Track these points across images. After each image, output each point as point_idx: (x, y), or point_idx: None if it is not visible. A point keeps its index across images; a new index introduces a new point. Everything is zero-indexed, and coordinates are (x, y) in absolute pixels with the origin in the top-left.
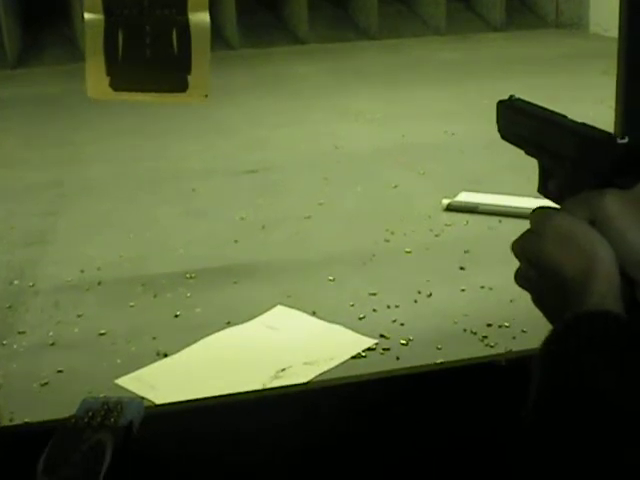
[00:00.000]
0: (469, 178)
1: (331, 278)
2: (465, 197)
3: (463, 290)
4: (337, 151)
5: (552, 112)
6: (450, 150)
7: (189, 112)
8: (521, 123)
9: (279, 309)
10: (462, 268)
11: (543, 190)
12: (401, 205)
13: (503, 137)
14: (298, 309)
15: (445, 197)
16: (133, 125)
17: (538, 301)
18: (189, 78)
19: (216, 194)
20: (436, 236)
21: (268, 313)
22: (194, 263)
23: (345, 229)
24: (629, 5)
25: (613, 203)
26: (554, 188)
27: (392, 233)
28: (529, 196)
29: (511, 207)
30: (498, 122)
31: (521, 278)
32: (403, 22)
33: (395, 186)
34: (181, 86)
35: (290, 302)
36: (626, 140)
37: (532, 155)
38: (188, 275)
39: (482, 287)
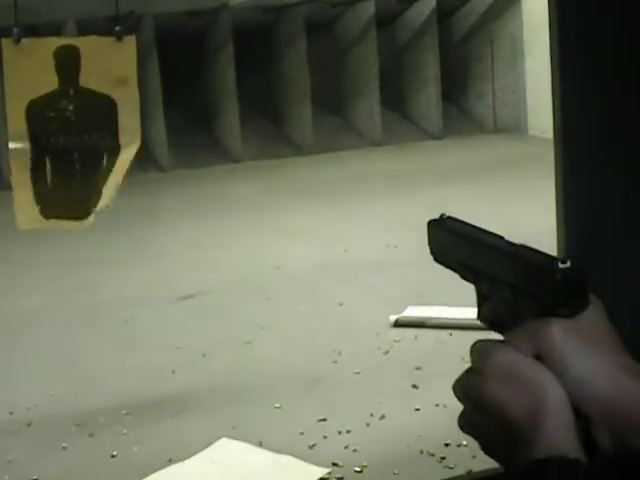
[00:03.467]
0: (415, 291)
1: (277, 405)
2: (412, 311)
3: (417, 409)
4: (278, 270)
5: (488, 233)
6: (393, 263)
7: (122, 237)
8: (454, 246)
9: (223, 442)
10: (414, 386)
11: (483, 317)
12: (347, 323)
13: (436, 260)
14: (244, 440)
15: (392, 313)
16: (64, 254)
17: (486, 448)
18: (93, 208)
19: (151, 322)
20: (385, 354)
21: (212, 447)
22: (130, 397)
23: (289, 352)
24: (563, 115)
25: (560, 334)
26: (493, 316)
27: (339, 353)
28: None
29: (460, 319)
30: (430, 244)
31: (466, 423)
32: (338, 135)
33: (340, 303)
34: (87, 209)
35: (235, 433)
36: (568, 264)
37: (468, 280)
38: (124, 411)
39: (436, 405)
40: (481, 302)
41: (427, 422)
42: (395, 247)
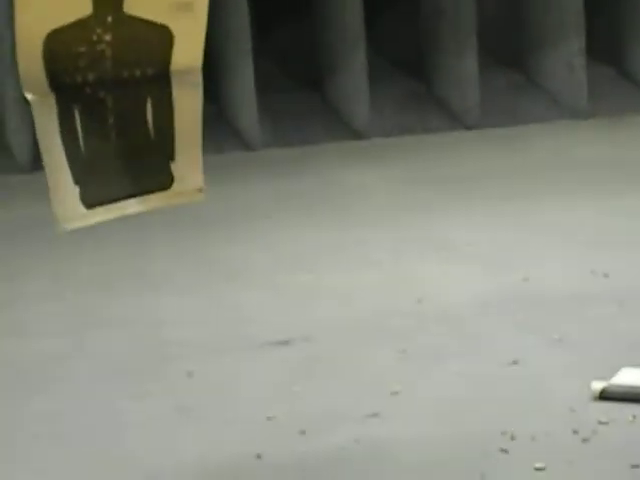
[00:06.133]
0: (633, 345)
1: None
2: (628, 377)
3: None
4: (420, 307)
5: None
6: (601, 301)
7: (182, 248)
8: None
9: None
10: None
11: None
12: (525, 392)
13: None
14: None
15: (596, 378)
16: (87, 270)
17: None
18: (173, 167)
19: (224, 379)
20: (584, 442)
21: None
22: None
23: (435, 432)
24: None
25: None
26: None
27: (512, 438)
28: None
29: None
30: None
31: None
32: (517, 100)
33: (514, 361)
34: (164, 180)
35: None
36: None
37: None
38: None
39: None
40: None
41: None
42: (605, 276)
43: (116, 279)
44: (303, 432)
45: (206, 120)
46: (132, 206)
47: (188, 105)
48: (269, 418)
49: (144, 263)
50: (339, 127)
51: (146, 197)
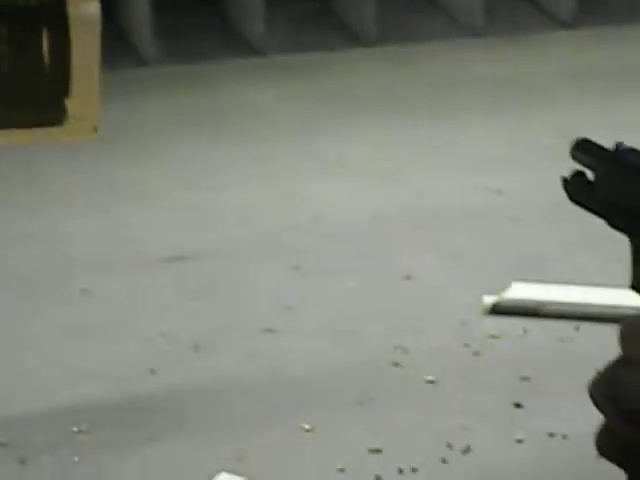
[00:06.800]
0: (524, 262)
1: (307, 427)
2: (519, 292)
3: (520, 441)
4: (315, 224)
5: None
6: (494, 218)
7: (80, 168)
8: (622, 183)
9: (224, 479)
10: (518, 405)
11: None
12: (418, 307)
13: (573, 199)
14: (253, 478)
15: (488, 292)
16: None
17: (636, 479)
18: (68, 104)
19: (121, 297)
20: (475, 355)
21: None
22: (85, 408)
23: (329, 347)
24: None
25: None
26: None
27: (404, 352)
28: (619, 286)
29: (594, 305)
30: (575, 180)
31: (611, 443)
32: (417, 19)
33: (407, 276)
34: (56, 116)
35: (241, 467)
36: None
37: (619, 229)
38: (75, 428)
39: (550, 435)
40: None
41: (533, 460)
42: (499, 192)
43: (9, 196)
44: (197, 348)
45: (101, 36)
46: (15, 137)
47: (86, 39)
48: (163, 334)
49: (37, 181)
50: (236, 44)
51: (33, 131)
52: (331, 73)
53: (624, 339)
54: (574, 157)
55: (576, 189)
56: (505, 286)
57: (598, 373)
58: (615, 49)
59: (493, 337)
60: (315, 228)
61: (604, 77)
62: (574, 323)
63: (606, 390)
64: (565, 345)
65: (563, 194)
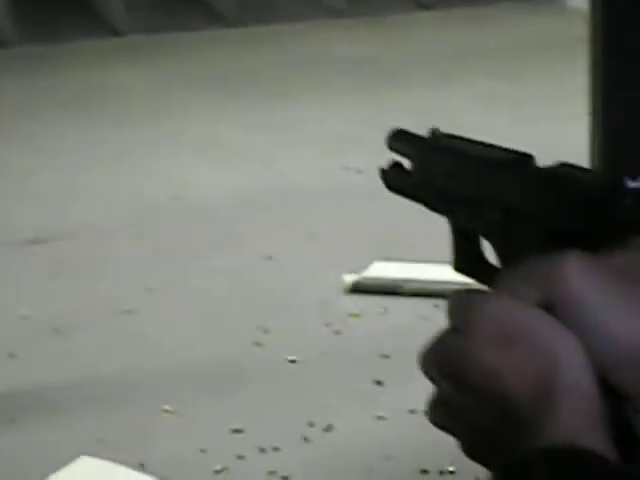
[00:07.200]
0: (384, 240)
1: (167, 408)
2: (379, 270)
3: (381, 417)
4: (175, 203)
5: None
6: (354, 197)
7: None
8: (436, 164)
9: (84, 462)
10: (378, 383)
11: (461, 264)
12: (280, 287)
13: (389, 186)
14: (114, 461)
15: (348, 271)
16: None
17: (471, 447)
18: None
19: None
20: (336, 334)
21: (66, 469)
22: None
23: (189, 327)
24: None
25: (582, 274)
26: (475, 257)
27: (265, 332)
28: None
29: (452, 282)
30: (392, 169)
31: (439, 411)
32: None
33: (269, 256)
34: None
35: (102, 450)
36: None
37: (439, 211)
38: None
39: (411, 411)
40: (460, 242)
41: (395, 436)
42: (358, 172)
43: None
44: (57, 330)
45: None
46: None
47: None
48: (22, 317)
49: None
50: (96, 24)
51: None
52: (192, 54)
53: (451, 309)
54: (391, 147)
55: (392, 177)
56: (366, 265)
57: (430, 342)
58: (474, 30)
59: (354, 316)
60: (176, 209)
61: (463, 58)
62: (433, 301)
63: (435, 358)
64: (425, 322)
65: None
